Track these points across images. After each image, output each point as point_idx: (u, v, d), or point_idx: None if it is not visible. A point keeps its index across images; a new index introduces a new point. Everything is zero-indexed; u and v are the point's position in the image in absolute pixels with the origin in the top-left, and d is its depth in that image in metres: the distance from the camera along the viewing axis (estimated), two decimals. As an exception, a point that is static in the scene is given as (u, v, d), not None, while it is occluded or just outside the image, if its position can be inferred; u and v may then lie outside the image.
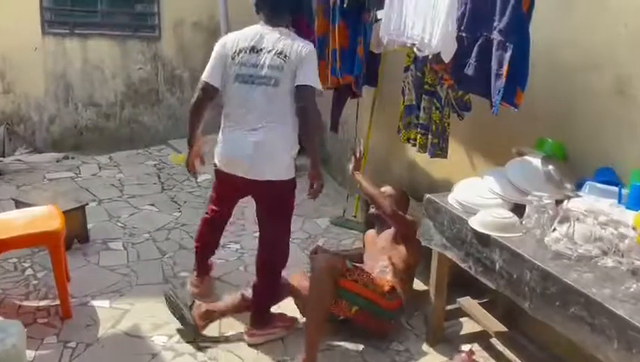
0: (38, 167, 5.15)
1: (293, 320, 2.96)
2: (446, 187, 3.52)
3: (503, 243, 2.13)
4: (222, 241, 3.33)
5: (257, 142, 2.64)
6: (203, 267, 3.20)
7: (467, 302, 2.91)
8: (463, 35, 2.52)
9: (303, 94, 2.61)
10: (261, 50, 2.66)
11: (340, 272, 2.69)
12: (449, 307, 2.87)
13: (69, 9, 6.55)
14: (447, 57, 2.53)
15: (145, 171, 5.34)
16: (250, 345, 2.81)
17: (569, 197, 2.24)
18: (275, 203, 2.78)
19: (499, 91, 2.37)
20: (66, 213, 3.30)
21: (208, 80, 2.73)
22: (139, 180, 5.09)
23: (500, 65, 2.36)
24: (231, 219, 3.20)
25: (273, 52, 2.63)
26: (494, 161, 3.13)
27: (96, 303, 3.12)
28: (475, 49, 2.49)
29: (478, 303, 2.90)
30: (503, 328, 2.72)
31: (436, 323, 2.78)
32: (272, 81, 2.62)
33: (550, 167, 2.36)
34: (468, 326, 2.95)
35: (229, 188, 2.90)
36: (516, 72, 2.33)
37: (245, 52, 2.67)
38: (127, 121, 6.53)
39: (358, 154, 3.25)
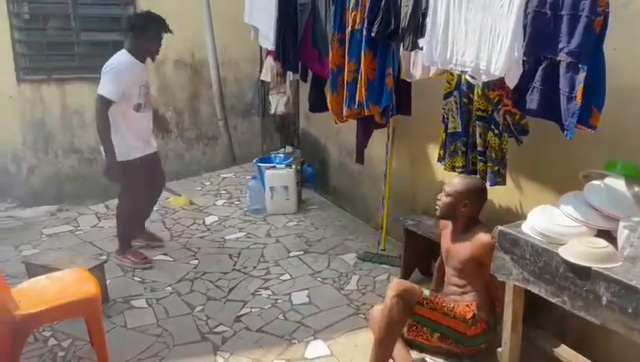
0: (33, 222, 4.78)
1: (146, 258, 4.03)
2: (485, 213, 3.44)
3: (608, 275, 2.01)
4: (251, 288, 3.69)
5: None
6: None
7: (537, 335, 2.77)
8: (524, 59, 2.44)
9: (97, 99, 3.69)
10: None
11: (415, 299, 2.65)
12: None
13: (46, 54, 6.28)
14: (512, 83, 2.43)
15: (146, 218, 5.03)
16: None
17: (660, 220, 2.15)
18: None
19: (573, 114, 2.28)
20: (85, 272, 3.06)
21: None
22: (143, 228, 4.77)
23: (572, 87, 2.26)
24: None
25: None
26: (539, 185, 3.06)
27: (137, 372, 2.85)
28: (539, 72, 2.39)
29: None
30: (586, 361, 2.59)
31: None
32: None
33: (636, 188, 2.27)
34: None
35: None
36: (592, 92, 2.24)
37: None
38: (111, 166, 6.24)
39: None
